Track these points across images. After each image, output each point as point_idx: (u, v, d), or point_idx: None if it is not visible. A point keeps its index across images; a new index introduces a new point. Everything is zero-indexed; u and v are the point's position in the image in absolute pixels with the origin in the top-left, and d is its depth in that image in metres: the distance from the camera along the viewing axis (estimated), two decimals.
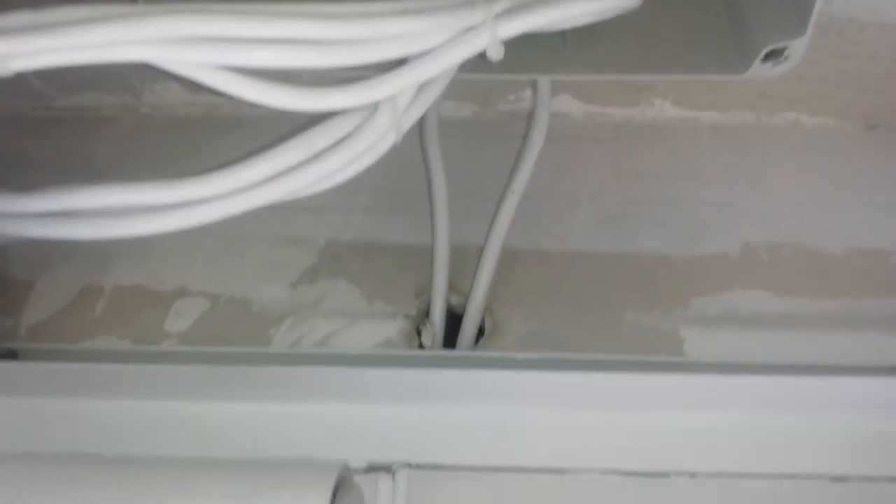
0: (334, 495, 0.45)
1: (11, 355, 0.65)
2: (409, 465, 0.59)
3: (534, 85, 0.72)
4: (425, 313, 0.70)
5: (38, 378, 0.62)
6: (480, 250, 0.71)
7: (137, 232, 0.50)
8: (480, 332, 0.70)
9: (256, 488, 0.45)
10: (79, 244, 0.67)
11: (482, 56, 0.52)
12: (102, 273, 0.72)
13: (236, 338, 0.68)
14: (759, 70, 0.59)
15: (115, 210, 0.50)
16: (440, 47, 0.50)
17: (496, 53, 0.51)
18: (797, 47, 0.58)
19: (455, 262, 0.71)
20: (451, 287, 0.71)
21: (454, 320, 0.71)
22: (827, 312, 0.68)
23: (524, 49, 0.56)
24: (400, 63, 0.51)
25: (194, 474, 0.46)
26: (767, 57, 0.59)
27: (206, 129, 0.84)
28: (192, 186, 0.48)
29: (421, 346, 0.68)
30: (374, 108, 0.51)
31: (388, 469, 0.59)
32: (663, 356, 0.65)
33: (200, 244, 0.75)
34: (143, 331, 0.69)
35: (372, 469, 0.59)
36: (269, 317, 0.70)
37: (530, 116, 0.73)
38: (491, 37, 0.50)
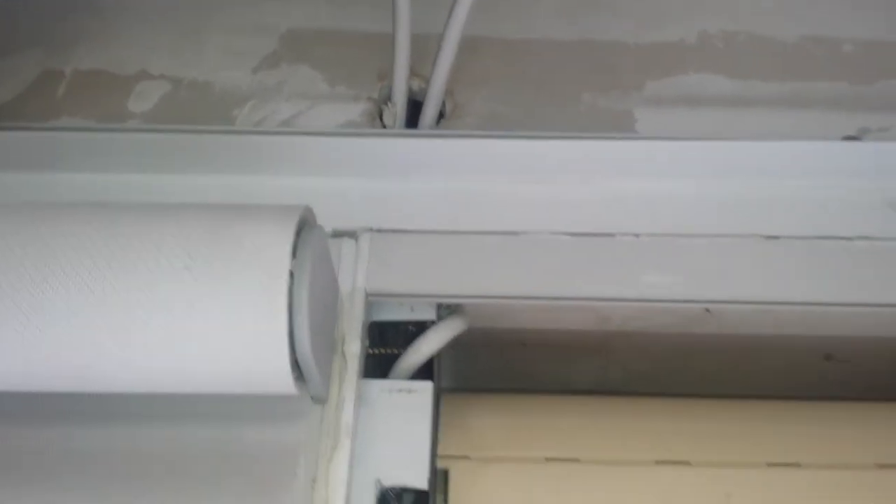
0: (298, 232, 0.48)
1: None
2: (372, 230, 0.62)
3: None
4: (388, 97, 0.71)
5: (6, 151, 0.63)
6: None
7: None
8: (441, 115, 0.71)
9: (223, 221, 0.47)
10: (36, 27, 0.66)
11: None
12: (62, 58, 0.72)
13: (200, 118, 0.69)
14: None
15: None
16: None
17: None
18: None
19: (417, 50, 0.71)
20: (413, 73, 0.71)
21: (415, 106, 0.72)
22: (776, 94, 0.70)
23: None
24: None
25: (163, 211, 0.48)
26: None
27: None
28: None
29: (383, 126, 0.70)
30: None
31: (351, 234, 0.62)
32: (615, 133, 0.67)
33: (160, 31, 0.74)
34: (106, 111, 0.69)
35: (337, 234, 0.62)
36: (232, 99, 0.70)
37: None
38: None
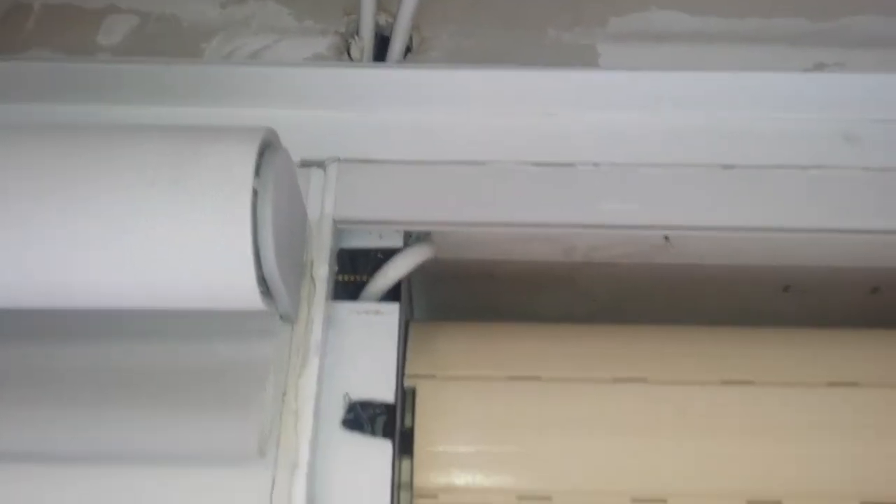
0: (261, 153, 0.49)
1: None
2: (340, 160, 0.63)
3: None
4: (355, 31, 0.72)
5: None
6: None
7: None
8: (408, 50, 0.72)
9: (189, 141, 0.48)
10: None
11: None
12: None
13: (168, 51, 0.70)
14: None
15: None
16: None
17: None
18: None
19: None
20: (380, 7, 0.72)
21: (382, 41, 0.73)
22: (737, 30, 0.72)
23: None
24: None
25: (131, 132, 0.49)
26: None
27: None
28: None
29: (351, 60, 0.71)
30: None
31: (320, 164, 0.63)
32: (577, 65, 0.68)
33: None
34: (74, 44, 0.70)
35: (305, 164, 0.63)
36: (200, 32, 0.71)
37: None
38: None
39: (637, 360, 0.61)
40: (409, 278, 0.74)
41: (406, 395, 0.59)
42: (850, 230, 0.62)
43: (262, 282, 0.49)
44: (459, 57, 0.71)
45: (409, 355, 0.61)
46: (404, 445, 0.57)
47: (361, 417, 0.54)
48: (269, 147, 0.50)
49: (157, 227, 0.46)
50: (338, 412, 0.54)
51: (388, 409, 0.54)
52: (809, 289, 0.76)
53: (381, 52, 0.73)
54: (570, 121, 0.64)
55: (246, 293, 0.48)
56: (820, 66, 0.70)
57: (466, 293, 0.78)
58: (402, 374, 0.59)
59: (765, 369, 0.59)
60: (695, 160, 0.63)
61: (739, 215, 0.62)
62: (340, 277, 0.62)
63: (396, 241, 0.63)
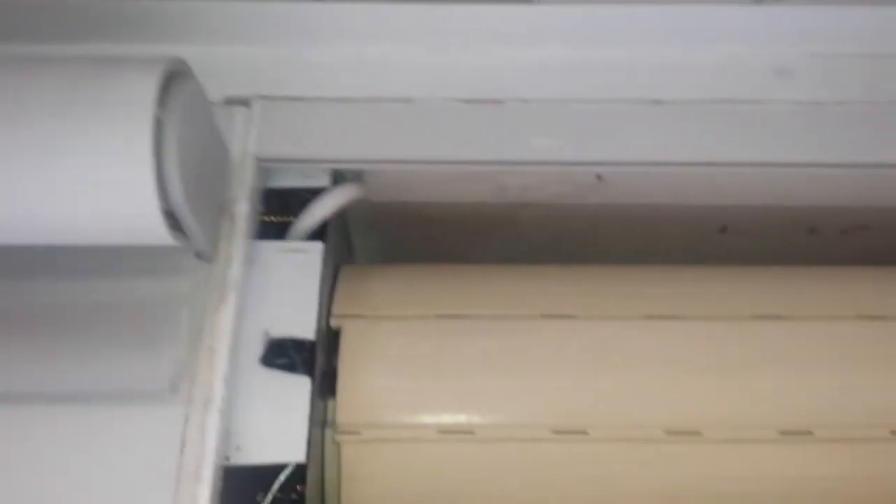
0: (167, 82, 0.48)
1: None
2: (265, 97, 0.62)
3: None
4: None
5: None
6: None
7: None
8: None
9: (91, 69, 0.47)
10: None
11: None
12: None
13: None
14: None
15: None
16: None
17: None
18: None
19: None
20: None
21: None
22: None
23: None
24: None
25: (32, 62, 0.48)
26: None
27: None
28: None
29: None
30: None
31: (244, 101, 0.62)
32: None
33: None
34: None
35: (230, 102, 0.62)
36: None
37: None
38: None
39: (565, 298, 0.60)
40: (347, 223, 0.74)
41: (332, 334, 0.59)
42: (781, 163, 0.62)
43: (171, 216, 0.48)
44: None
45: (336, 296, 0.60)
46: (330, 385, 0.57)
47: (280, 355, 0.53)
48: (177, 77, 0.49)
49: (58, 158, 0.45)
50: (257, 350, 0.53)
51: (309, 347, 0.54)
52: (747, 230, 0.76)
53: None
54: (499, 57, 0.63)
55: (151, 226, 0.47)
56: (758, 1, 0.69)
57: (406, 237, 0.78)
58: (329, 314, 0.59)
59: (689, 304, 0.59)
60: (624, 95, 0.62)
61: (669, 150, 0.61)
62: (267, 218, 0.61)
63: (324, 181, 0.62)
